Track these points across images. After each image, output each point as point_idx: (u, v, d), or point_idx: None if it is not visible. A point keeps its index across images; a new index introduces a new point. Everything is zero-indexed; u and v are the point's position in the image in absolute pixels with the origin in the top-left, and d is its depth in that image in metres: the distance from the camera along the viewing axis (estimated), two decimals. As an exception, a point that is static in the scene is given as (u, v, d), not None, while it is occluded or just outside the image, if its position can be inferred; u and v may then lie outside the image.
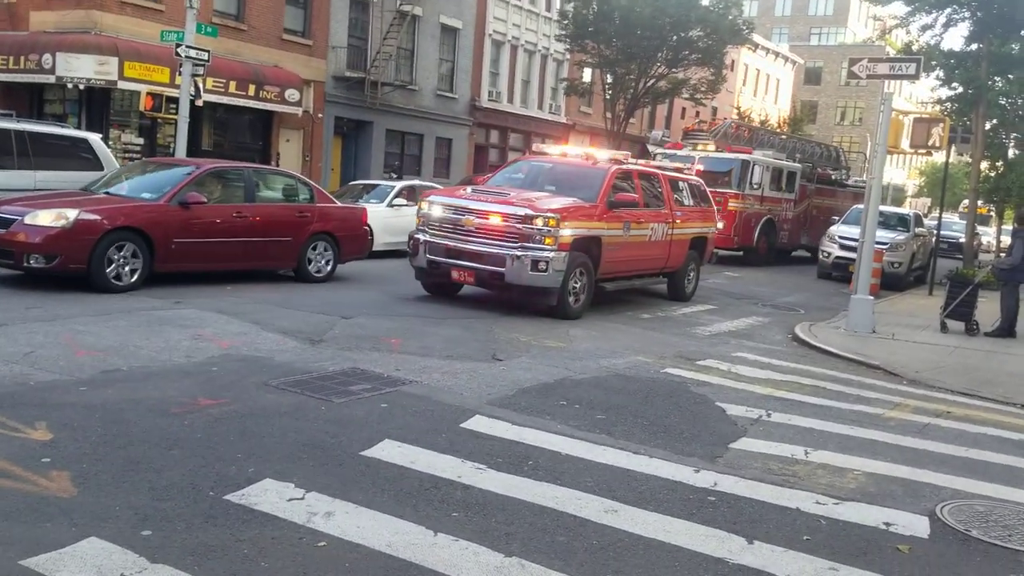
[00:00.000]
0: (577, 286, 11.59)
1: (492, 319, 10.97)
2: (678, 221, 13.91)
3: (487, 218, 11.26)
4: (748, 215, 23.21)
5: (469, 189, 12.96)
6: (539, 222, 10.98)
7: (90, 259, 10.09)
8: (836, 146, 36.07)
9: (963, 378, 10.27)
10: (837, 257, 21.21)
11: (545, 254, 10.97)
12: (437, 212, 11.69)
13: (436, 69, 32.15)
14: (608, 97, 34.51)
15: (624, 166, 13.13)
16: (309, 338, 8.71)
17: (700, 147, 23.62)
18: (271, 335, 8.68)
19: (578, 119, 39.78)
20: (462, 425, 6.14)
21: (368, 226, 14.12)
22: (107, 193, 11.44)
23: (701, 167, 20.26)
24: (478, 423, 6.23)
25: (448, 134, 33.14)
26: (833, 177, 29.70)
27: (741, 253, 23.75)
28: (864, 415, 7.84)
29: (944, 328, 13.71)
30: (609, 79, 34.59)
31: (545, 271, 10.98)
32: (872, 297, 13.63)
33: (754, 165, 23.20)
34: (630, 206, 12.48)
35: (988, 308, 14.33)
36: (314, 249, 12.85)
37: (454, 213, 11.52)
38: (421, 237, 11.73)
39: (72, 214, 10.11)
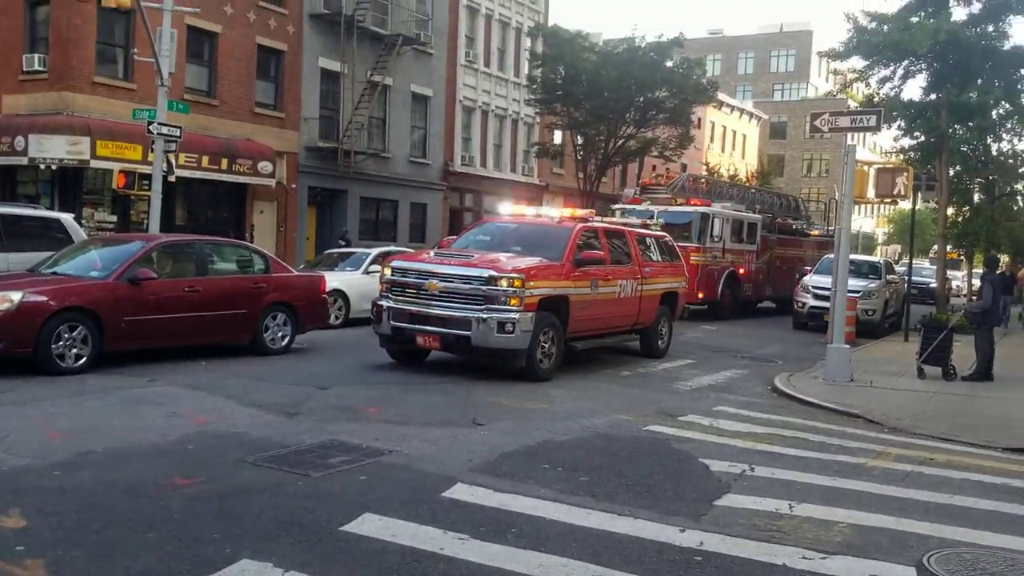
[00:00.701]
0: (546, 346, 11.45)
1: (470, 383, 10.90)
2: (647, 277, 13.92)
3: (451, 281, 11.14)
4: (711, 268, 22.99)
5: (432, 252, 12.86)
6: (504, 283, 10.87)
7: (36, 342, 9.79)
8: (795, 196, 36.41)
9: (943, 423, 10.30)
10: (812, 307, 21.32)
11: (511, 315, 10.82)
12: (399, 277, 11.57)
13: (408, 136, 32.50)
14: (579, 158, 34.96)
15: (589, 224, 13.21)
16: (285, 411, 8.62)
17: (659, 201, 23.63)
18: (247, 410, 8.58)
19: (551, 180, 40.22)
20: (443, 494, 6.06)
21: (331, 294, 14.03)
22: (54, 273, 11.11)
23: (661, 221, 20.17)
24: (460, 491, 6.15)
25: (423, 199, 33.35)
26: (794, 227, 29.68)
27: (706, 307, 23.54)
28: (847, 465, 7.83)
29: (921, 374, 13.78)
30: (579, 140, 35.09)
31: (512, 332, 10.81)
32: (848, 346, 13.73)
33: (713, 217, 23.00)
34: (597, 263, 12.44)
35: (964, 352, 14.45)
36: (271, 320, 12.51)
37: (416, 277, 11.41)
38: (384, 303, 11.54)
39: (16, 296, 9.86)
